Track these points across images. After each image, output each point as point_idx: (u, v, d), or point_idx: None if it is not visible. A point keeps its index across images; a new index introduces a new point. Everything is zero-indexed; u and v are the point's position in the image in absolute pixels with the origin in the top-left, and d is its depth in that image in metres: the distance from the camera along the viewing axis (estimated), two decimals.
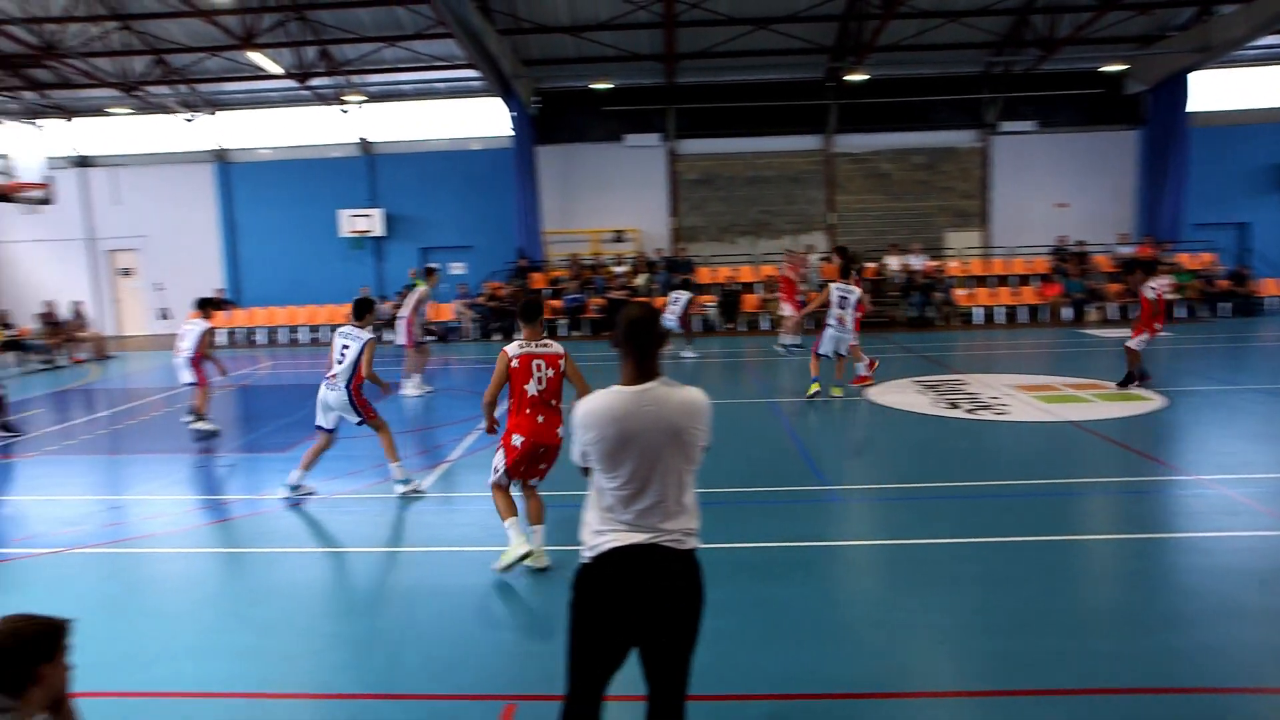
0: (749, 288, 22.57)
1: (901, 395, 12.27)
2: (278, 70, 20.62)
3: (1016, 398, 11.79)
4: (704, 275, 22.86)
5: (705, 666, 4.82)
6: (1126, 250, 21.75)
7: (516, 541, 5.85)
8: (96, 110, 24.53)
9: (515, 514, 5.97)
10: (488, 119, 24.07)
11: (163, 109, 23.74)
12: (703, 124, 23.63)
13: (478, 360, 17.92)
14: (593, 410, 3.19)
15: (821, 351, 12.08)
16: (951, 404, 11.56)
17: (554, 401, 5.94)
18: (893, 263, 22.38)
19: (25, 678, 2.56)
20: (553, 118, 23.62)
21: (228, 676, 4.90)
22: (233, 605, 5.99)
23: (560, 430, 5.91)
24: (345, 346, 8.15)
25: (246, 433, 12.11)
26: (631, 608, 3.14)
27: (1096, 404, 11.25)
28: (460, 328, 21.98)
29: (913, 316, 21.36)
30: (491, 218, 24.08)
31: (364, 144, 24.44)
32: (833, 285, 12.05)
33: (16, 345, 20.04)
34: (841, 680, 4.59)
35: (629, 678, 3.34)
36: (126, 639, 5.43)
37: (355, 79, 22.89)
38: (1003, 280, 22.72)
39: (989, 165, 23.61)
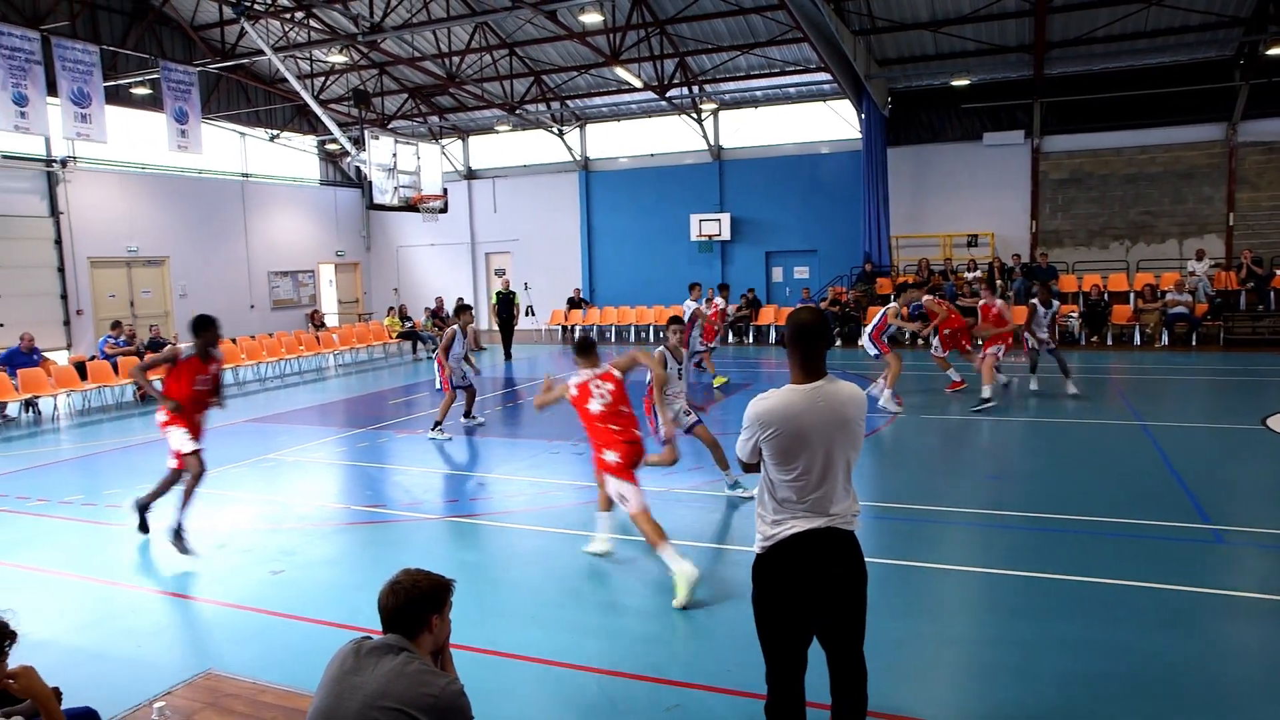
0: (1120, 297, 20.23)
1: None
2: (638, 83, 21.86)
3: None
4: (1068, 283, 20.86)
5: (1052, 708, 4.34)
6: None
7: (684, 565, 5.77)
8: (485, 129, 27.68)
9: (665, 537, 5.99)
10: (835, 122, 23.79)
11: (538, 124, 26.17)
12: (1073, 118, 21.52)
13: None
14: (771, 408, 3.40)
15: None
16: None
17: (622, 409, 6.30)
18: None
19: (421, 624, 2.88)
20: (904, 118, 22.80)
21: (568, 648, 5.19)
22: (576, 583, 6.36)
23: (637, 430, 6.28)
24: None
25: None
26: (817, 587, 3.40)
27: None
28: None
29: None
30: (837, 222, 23.74)
31: (714, 150, 25.21)
32: None
33: (412, 335, 23.21)
34: None
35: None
36: (485, 602, 5.96)
37: (709, 88, 23.69)
38: None
39: None
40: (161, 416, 7.23)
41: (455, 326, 12.40)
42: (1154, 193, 21.10)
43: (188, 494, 7.18)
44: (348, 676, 2.76)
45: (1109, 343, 19.52)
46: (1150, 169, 21.05)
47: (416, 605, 2.89)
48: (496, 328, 22.17)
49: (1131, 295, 20.09)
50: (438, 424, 11.78)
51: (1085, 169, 21.63)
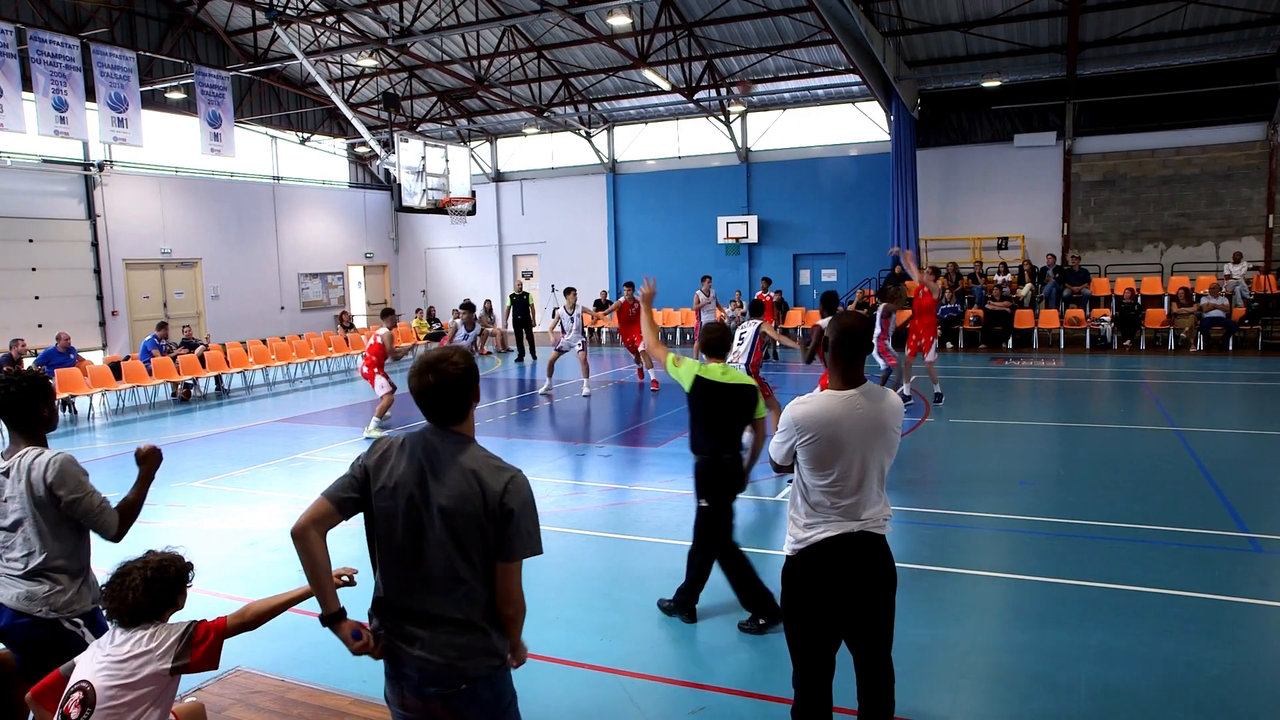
0: (1154, 301, 19.93)
1: None
2: (666, 86, 21.85)
3: None
4: (1100, 286, 20.60)
5: (1085, 719, 4.27)
6: None
7: None
8: (513, 132, 27.80)
9: None
10: (864, 124, 23.66)
11: (566, 127, 26.24)
12: (1107, 119, 21.23)
13: None
14: (810, 414, 3.37)
15: None
16: None
17: None
18: None
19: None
20: (934, 120, 22.62)
21: (593, 650, 5.18)
22: (602, 585, 6.35)
23: None
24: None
25: (621, 426, 12.92)
26: (848, 591, 3.39)
27: None
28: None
29: None
30: (865, 224, 23.60)
31: (742, 152, 25.15)
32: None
33: (439, 337, 23.35)
34: None
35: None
36: None
37: (737, 90, 23.63)
38: None
39: None
40: None
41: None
42: (1190, 194, 20.76)
43: None
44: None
45: (1142, 347, 19.23)
46: (1186, 170, 20.72)
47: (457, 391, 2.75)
48: (513, 330, 22.29)
49: (1166, 299, 19.79)
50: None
51: (1119, 171, 21.35)
